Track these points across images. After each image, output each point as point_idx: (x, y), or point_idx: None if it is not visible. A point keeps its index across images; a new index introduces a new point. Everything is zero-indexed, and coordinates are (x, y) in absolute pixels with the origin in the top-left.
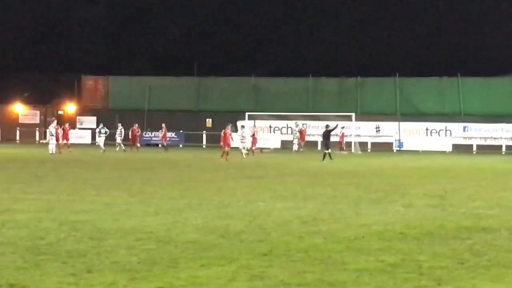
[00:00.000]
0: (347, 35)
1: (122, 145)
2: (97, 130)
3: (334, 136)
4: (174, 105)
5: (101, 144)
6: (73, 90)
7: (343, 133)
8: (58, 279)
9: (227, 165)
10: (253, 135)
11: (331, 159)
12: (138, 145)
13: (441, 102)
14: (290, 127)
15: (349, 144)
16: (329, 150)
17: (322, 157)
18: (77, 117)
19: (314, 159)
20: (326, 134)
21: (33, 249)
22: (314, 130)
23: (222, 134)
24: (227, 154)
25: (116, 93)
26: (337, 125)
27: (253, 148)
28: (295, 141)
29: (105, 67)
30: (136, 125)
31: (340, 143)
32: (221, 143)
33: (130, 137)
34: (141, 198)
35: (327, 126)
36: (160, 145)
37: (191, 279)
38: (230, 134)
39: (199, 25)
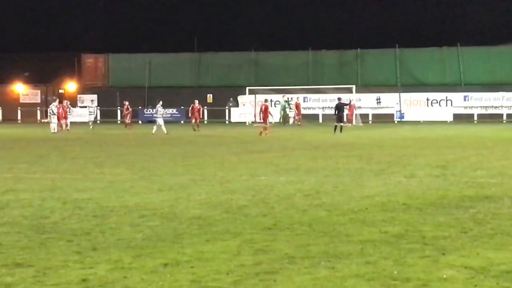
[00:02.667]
0: (346, 7)
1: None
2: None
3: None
4: (175, 81)
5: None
6: (73, 69)
7: (352, 105)
8: (63, 258)
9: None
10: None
11: (341, 132)
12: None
13: (441, 72)
14: (286, 101)
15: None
16: (341, 123)
17: (334, 128)
18: (78, 96)
19: (315, 132)
20: (340, 107)
21: (38, 228)
22: (315, 103)
23: (262, 108)
24: (265, 129)
25: (116, 71)
26: (350, 101)
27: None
28: (291, 114)
29: (105, 45)
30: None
31: (348, 115)
32: (262, 119)
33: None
34: (144, 175)
35: (339, 98)
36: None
37: (196, 255)
38: (268, 108)
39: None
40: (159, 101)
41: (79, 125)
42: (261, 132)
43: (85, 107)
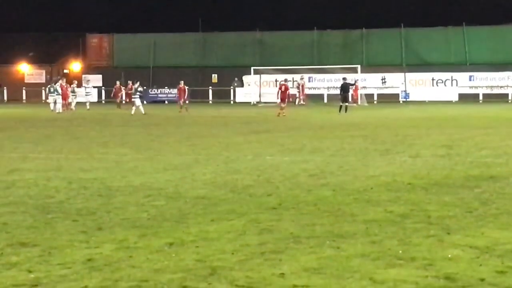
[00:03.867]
0: None
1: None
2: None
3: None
4: (179, 61)
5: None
6: (78, 49)
7: (356, 86)
8: (69, 237)
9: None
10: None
11: (346, 111)
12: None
13: (446, 52)
14: (296, 81)
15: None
16: (347, 103)
17: (339, 108)
18: (83, 76)
19: (320, 112)
20: (345, 87)
21: (43, 207)
22: (320, 83)
23: (282, 89)
24: (282, 109)
25: (121, 51)
26: (356, 81)
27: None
28: (297, 94)
29: (110, 25)
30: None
31: (354, 95)
32: (280, 98)
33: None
34: (149, 154)
35: (344, 78)
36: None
37: (201, 234)
38: (288, 89)
39: None
40: (136, 82)
41: (84, 105)
42: (279, 114)
43: (94, 87)
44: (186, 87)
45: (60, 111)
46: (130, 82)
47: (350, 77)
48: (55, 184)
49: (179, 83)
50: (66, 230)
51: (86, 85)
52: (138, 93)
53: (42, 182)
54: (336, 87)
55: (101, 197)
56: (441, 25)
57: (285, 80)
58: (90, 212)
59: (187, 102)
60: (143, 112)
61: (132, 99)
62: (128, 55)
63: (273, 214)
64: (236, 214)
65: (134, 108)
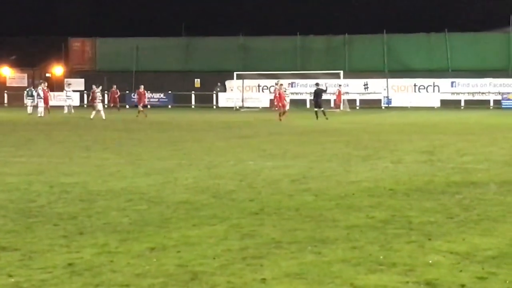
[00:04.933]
0: None
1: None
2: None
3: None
4: (162, 65)
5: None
6: (60, 53)
7: (339, 91)
8: (50, 242)
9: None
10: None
11: (324, 115)
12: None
13: (429, 58)
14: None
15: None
16: (322, 108)
17: (316, 115)
18: (65, 79)
19: (302, 117)
20: (318, 93)
21: (24, 212)
22: (303, 88)
23: (277, 94)
24: (283, 114)
25: (103, 55)
26: (326, 87)
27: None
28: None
29: (92, 28)
30: (115, 86)
31: (337, 100)
32: (276, 104)
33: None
34: (131, 159)
35: (317, 84)
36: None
37: (182, 239)
38: (285, 92)
39: None
40: (98, 86)
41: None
42: (280, 119)
43: (76, 91)
44: (146, 92)
45: (42, 115)
46: (114, 86)
47: (333, 82)
48: (36, 188)
49: (138, 87)
50: (47, 234)
51: (67, 89)
52: (98, 98)
53: (23, 186)
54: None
55: (82, 201)
56: (424, 31)
57: (280, 86)
58: (71, 216)
59: (148, 107)
60: (103, 118)
61: (94, 104)
62: (111, 59)
63: (255, 219)
64: (218, 219)
65: (94, 112)
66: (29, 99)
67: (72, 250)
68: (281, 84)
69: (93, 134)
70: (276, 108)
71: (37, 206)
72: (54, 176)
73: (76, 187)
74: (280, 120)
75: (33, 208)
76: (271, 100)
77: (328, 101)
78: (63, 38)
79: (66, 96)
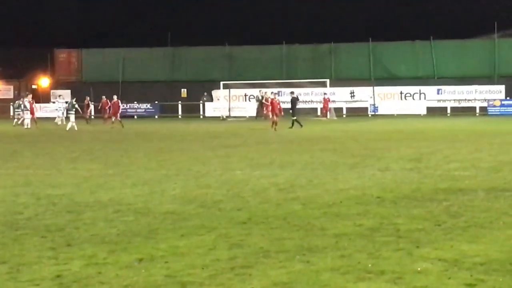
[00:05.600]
0: (319, 1)
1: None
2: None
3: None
4: (149, 76)
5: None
6: (46, 64)
7: (327, 99)
8: (38, 254)
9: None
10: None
11: (301, 125)
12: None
13: (414, 66)
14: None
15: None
16: (295, 117)
17: (292, 124)
18: (51, 91)
19: (288, 126)
20: (293, 102)
21: (12, 224)
22: (289, 97)
23: (269, 103)
24: (276, 123)
25: (89, 66)
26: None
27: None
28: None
29: (78, 40)
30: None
31: (323, 109)
32: (269, 113)
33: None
34: (118, 170)
35: (292, 92)
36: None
37: (171, 250)
38: (279, 103)
39: None
40: (73, 98)
41: (52, 120)
42: (275, 128)
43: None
44: (120, 102)
45: (29, 126)
46: (103, 97)
47: (320, 91)
48: (23, 200)
49: (112, 98)
50: (34, 246)
51: (59, 100)
52: (74, 109)
53: (10, 198)
54: (305, 101)
55: (70, 213)
56: (409, 39)
57: (274, 94)
58: (59, 228)
59: (118, 119)
60: (76, 129)
61: (67, 115)
62: (97, 70)
63: (243, 229)
64: (206, 229)
65: (69, 124)
66: (17, 111)
67: (60, 262)
68: (265, 93)
69: (79, 145)
70: (271, 117)
71: (24, 218)
72: (41, 188)
73: (64, 199)
74: (275, 129)
75: (20, 220)
76: (257, 109)
77: (315, 109)
78: (49, 49)
79: (59, 107)
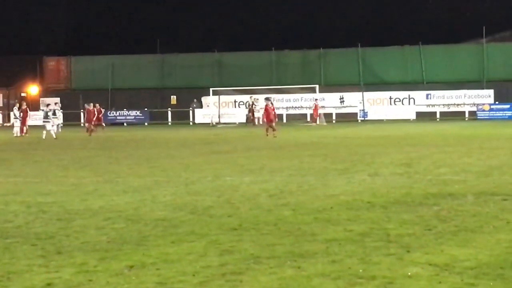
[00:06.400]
0: (308, 7)
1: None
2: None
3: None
4: (138, 83)
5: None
6: (35, 72)
7: (316, 105)
8: (28, 262)
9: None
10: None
11: (267, 134)
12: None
13: (403, 71)
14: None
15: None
16: (272, 124)
17: (266, 131)
18: (41, 99)
19: (278, 132)
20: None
21: (1, 232)
22: (279, 103)
23: (263, 109)
24: (273, 130)
25: (79, 73)
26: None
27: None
28: (257, 115)
29: (67, 47)
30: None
31: (313, 115)
32: (264, 119)
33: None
34: (108, 177)
35: (267, 98)
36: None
37: (161, 256)
38: (273, 109)
39: (160, 1)
40: (47, 105)
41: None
42: (274, 135)
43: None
44: (95, 109)
45: (18, 134)
46: (97, 105)
47: (309, 97)
48: (13, 208)
49: (94, 105)
50: (25, 254)
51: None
52: (49, 117)
53: (0, 207)
54: (295, 107)
55: (60, 220)
56: (398, 44)
57: (269, 100)
58: (49, 236)
59: (92, 126)
60: (54, 137)
61: (43, 123)
62: (86, 77)
63: (234, 235)
64: (197, 235)
65: (45, 132)
66: (45, 121)
67: (51, 270)
68: (257, 99)
69: (69, 153)
70: (267, 123)
71: (14, 226)
72: (31, 196)
73: (54, 207)
74: (274, 136)
75: (10, 228)
76: (247, 115)
77: (305, 115)
78: (38, 57)
79: (53, 115)
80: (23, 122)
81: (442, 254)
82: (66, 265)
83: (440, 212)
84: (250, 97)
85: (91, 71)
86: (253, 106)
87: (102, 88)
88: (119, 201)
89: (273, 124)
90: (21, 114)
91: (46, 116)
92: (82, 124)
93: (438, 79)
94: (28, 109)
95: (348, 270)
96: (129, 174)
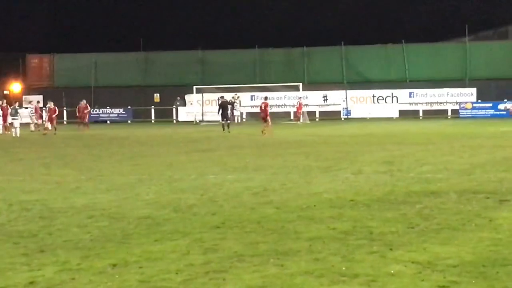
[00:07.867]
0: (291, 5)
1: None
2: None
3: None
4: (121, 80)
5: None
6: (18, 70)
7: (300, 103)
8: (10, 260)
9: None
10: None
11: (228, 129)
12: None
13: (386, 69)
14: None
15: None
16: (229, 121)
17: (222, 127)
18: (23, 97)
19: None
20: (224, 105)
21: None
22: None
23: (262, 107)
24: (265, 126)
25: (61, 71)
26: (232, 101)
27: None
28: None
29: (50, 44)
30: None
31: (296, 113)
32: (262, 117)
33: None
34: (91, 175)
35: (222, 97)
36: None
37: (144, 255)
38: (266, 107)
39: None
40: (15, 102)
41: (24, 126)
42: (264, 131)
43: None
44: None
45: (1, 132)
46: (84, 101)
47: (293, 95)
48: None
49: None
50: (7, 253)
51: (30, 106)
52: (18, 114)
53: None
54: (278, 105)
55: (42, 219)
56: (381, 42)
57: (265, 98)
58: (32, 234)
59: (54, 124)
60: (18, 135)
61: (11, 120)
62: (69, 75)
63: (217, 233)
64: (180, 233)
65: (14, 130)
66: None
67: (33, 268)
68: (238, 97)
69: (52, 150)
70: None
71: None
72: (13, 194)
73: (36, 205)
74: (271, 134)
75: None
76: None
77: (288, 113)
78: (20, 55)
79: (30, 113)
80: (4, 119)
81: (424, 252)
82: (48, 263)
83: (423, 210)
84: (235, 94)
85: (74, 69)
86: (234, 104)
87: (85, 86)
88: (102, 199)
89: (266, 122)
90: (2, 111)
91: (15, 113)
92: (65, 122)
93: (421, 78)
94: (8, 106)
95: (331, 268)
96: (112, 172)
